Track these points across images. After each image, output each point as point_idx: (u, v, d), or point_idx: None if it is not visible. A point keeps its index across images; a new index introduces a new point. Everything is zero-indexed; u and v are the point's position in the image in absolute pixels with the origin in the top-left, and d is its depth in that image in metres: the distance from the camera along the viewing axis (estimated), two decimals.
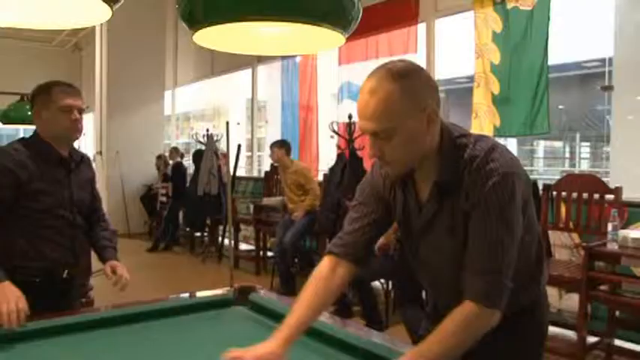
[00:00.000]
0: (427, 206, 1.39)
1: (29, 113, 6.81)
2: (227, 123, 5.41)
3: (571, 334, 3.87)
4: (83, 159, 2.34)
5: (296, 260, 5.83)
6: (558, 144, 13.97)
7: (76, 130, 2.21)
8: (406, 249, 1.54)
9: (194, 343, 1.76)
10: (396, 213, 1.49)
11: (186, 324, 1.91)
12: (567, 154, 13.64)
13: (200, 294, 2.19)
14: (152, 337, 1.79)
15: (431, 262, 1.47)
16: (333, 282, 1.49)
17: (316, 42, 2.15)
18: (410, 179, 1.43)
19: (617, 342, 3.75)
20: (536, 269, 1.52)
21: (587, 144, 13.41)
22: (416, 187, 1.42)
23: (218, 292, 2.19)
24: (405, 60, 1.36)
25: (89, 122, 14.73)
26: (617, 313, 3.76)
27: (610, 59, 5.16)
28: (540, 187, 4.18)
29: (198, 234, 8.52)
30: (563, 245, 4.18)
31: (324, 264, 1.51)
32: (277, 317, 1.87)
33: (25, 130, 11.05)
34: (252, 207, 7.05)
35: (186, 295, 2.22)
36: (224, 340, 1.78)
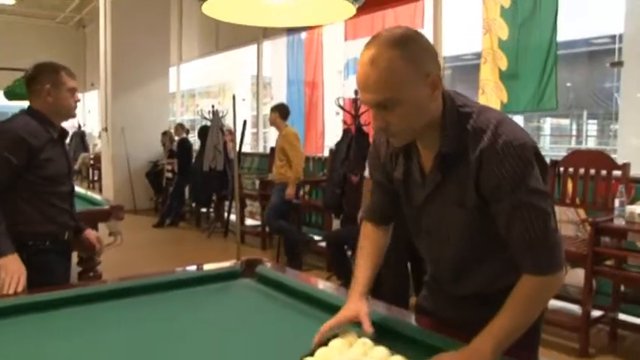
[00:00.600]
0: (430, 177, 1.37)
1: None
2: (233, 96, 5.39)
3: (576, 308, 3.89)
4: (68, 136, 2.61)
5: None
6: (565, 121, 13.91)
7: (75, 109, 2.46)
8: (408, 218, 1.54)
9: (201, 314, 1.77)
10: (397, 182, 1.48)
11: (194, 296, 1.92)
12: (574, 132, 13.58)
13: (207, 266, 2.20)
14: (159, 309, 1.80)
15: (433, 233, 1.46)
16: (378, 240, 1.60)
17: (325, 13, 2.11)
18: (414, 148, 1.40)
19: (622, 316, 3.78)
20: None
21: (595, 121, 13.34)
22: (420, 157, 1.40)
23: (225, 264, 2.20)
24: (402, 26, 1.31)
25: (94, 99, 14.75)
26: (622, 287, 3.78)
27: (620, 36, 5.10)
28: (547, 162, 4.17)
29: (204, 210, 8.57)
30: (570, 221, 4.18)
31: (365, 228, 1.62)
32: (284, 289, 1.89)
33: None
34: (257, 183, 7.07)
35: (194, 267, 2.23)
36: (232, 311, 1.80)
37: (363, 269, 1.55)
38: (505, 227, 1.27)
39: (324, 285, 1.93)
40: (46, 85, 2.35)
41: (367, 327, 1.37)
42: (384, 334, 1.44)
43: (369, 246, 1.59)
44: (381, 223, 1.61)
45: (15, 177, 2.24)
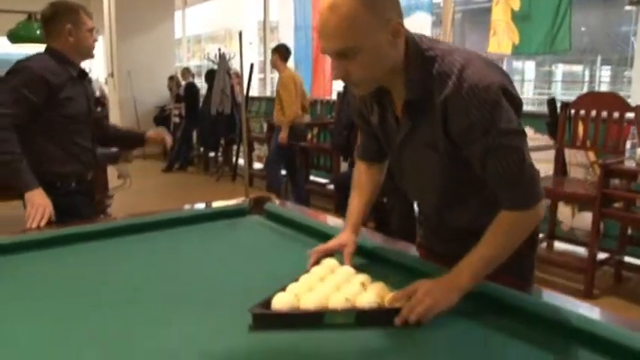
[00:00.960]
0: (402, 122, 1.37)
1: (37, 32, 6.66)
2: (240, 33, 5.28)
3: (582, 250, 3.91)
4: (88, 76, 2.55)
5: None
6: (577, 68, 13.65)
7: (94, 49, 2.46)
8: (390, 162, 1.56)
9: (210, 248, 1.79)
10: (374, 127, 1.48)
11: (202, 231, 1.94)
12: (587, 78, 13.33)
13: (215, 204, 2.22)
14: (167, 244, 1.82)
15: (413, 177, 1.48)
16: (371, 177, 1.62)
17: None
18: (386, 94, 1.39)
19: (627, 259, 3.80)
20: None
21: (608, 67, 13.07)
22: (392, 102, 1.39)
23: (233, 202, 2.21)
24: None
25: (99, 46, 14.61)
26: (629, 230, 3.78)
27: None
28: (558, 105, 4.11)
29: (212, 154, 8.58)
30: (579, 164, 4.15)
31: (359, 167, 1.65)
32: (292, 225, 1.90)
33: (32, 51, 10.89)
34: (265, 126, 7.04)
35: (202, 205, 2.25)
36: (240, 245, 1.82)
37: (356, 205, 1.60)
38: (480, 169, 1.28)
39: (332, 220, 1.95)
40: (67, 25, 2.32)
41: (347, 265, 1.43)
42: (382, 263, 1.52)
43: (362, 183, 1.62)
44: (373, 160, 1.62)
45: (35, 115, 2.24)
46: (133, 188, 5.92)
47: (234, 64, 7.49)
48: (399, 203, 3.79)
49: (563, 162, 4.08)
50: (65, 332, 1.19)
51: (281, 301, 1.21)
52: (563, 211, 4.24)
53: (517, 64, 12.70)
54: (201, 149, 8.73)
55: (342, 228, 1.58)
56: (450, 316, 1.20)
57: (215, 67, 7.79)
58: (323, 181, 6.40)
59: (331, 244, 1.51)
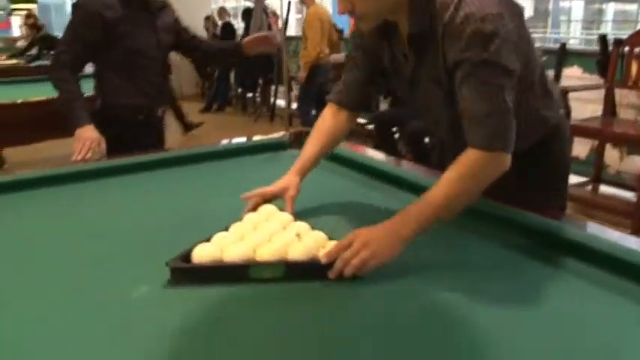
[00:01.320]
0: (409, 58, 1.34)
1: None
2: None
3: (629, 195, 3.79)
4: (164, 5, 2.47)
5: None
6: (631, 7, 12.96)
7: None
8: (406, 102, 1.52)
9: (250, 178, 1.76)
10: (387, 66, 1.44)
11: (243, 163, 1.94)
12: None
13: (256, 138, 2.21)
14: (204, 176, 1.83)
15: (424, 110, 1.47)
16: (335, 126, 1.53)
17: None
18: (394, 31, 1.34)
19: None
20: (542, 102, 1.44)
21: None
22: (401, 37, 1.34)
23: (274, 136, 2.19)
24: None
25: None
26: None
27: None
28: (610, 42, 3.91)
29: (249, 94, 8.54)
30: (630, 105, 3.98)
31: (329, 109, 1.55)
32: (332, 157, 1.86)
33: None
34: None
35: (243, 139, 2.24)
36: (278, 178, 1.80)
37: (309, 150, 1.50)
38: (459, 98, 1.21)
39: (372, 152, 1.91)
40: None
41: (289, 210, 1.35)
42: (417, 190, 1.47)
43: (324, 129, 1.53)
44: (346, 107, 1.52)
45: (92, 51, 2.26)
46: (171, 129, 5.95)
47: (272, 3, 7.35)
48: (439, 142, 3.71)
49: (613, 102, 3.91)
50: (96, 257, 1.22)
51: (202, 254, 1.10)
52: (611, 154, 4.10)
53: (564, 3, 12.11)
54: (239, 90, 8.69)
55: (288, 171, 1.47)
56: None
57: (252, 5, 7.65)
58: (361, 120, 6.30)
59: (272, 187, 1.41)
